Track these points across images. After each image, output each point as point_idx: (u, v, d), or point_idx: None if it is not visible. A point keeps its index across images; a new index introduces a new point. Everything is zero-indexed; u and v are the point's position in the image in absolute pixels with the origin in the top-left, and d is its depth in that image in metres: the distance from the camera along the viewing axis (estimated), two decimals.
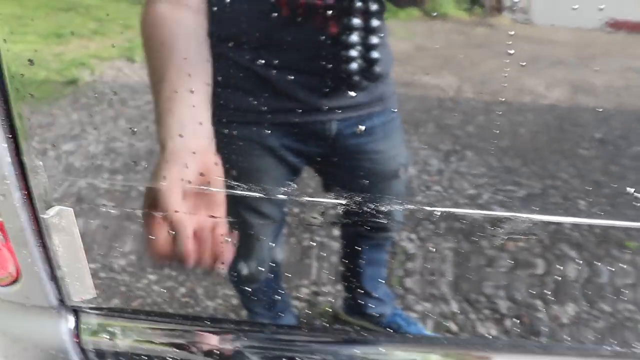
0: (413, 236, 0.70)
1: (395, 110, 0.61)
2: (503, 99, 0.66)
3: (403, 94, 0.67)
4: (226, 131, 0.60)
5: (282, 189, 0.62)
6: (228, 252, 0.57)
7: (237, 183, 0.60)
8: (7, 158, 0.48)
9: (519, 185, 0.69)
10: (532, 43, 0.72)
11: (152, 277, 0.75)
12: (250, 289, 0.72)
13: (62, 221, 0.56)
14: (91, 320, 0.72)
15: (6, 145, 0.48)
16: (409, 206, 0.62)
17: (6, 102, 0.49)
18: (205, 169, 0.53)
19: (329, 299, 0.74)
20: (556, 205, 0.67)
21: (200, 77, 0.52)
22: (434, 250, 0.69)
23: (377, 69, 0.55)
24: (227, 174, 0.60)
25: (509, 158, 0.74)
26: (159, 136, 0.54)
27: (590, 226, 0.67)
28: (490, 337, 0.73)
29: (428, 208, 0.63)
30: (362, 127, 0.60)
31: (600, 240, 0.70)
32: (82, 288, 0.55)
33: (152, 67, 0.53)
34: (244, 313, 0.75)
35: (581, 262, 0.71)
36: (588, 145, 0.71)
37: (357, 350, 0.65)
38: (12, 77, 0.49)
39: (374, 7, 0.51)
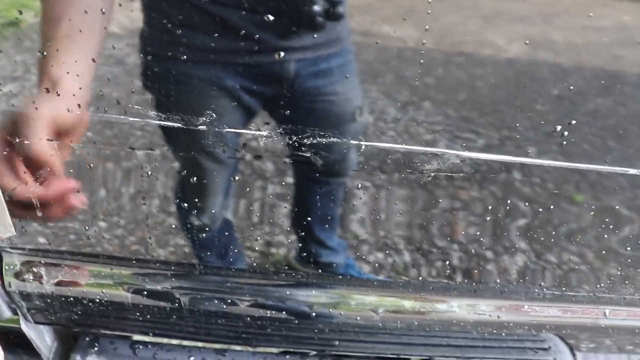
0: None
1: (352, 51, 0.60)
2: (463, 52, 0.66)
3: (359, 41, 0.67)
4: (180, 70, 0.58)
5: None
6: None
7: (185, 123, 0.59)
8: None
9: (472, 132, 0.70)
10: None
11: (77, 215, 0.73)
12: (202, 239, 0.71)
13: None
14: (14, 260, 0.69)
15: None
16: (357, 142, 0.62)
17: None
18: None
19: (283, 248, 0.74)
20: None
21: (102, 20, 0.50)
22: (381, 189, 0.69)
23: (341, 9, 0.54)
24: (178, 113, 0.59)
25: (465, 109, 0.74)
26: (49, 71, 0.51)
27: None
28: (420, 279, 0.73)
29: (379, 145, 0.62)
30: (316, 71, 0.59)
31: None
32: (1, 227, 0.53)
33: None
34: (179, 253, 0.74)
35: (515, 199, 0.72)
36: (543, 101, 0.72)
37: (311, 292, 0.65)
38: None
39: None
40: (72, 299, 0.71)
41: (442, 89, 0.64)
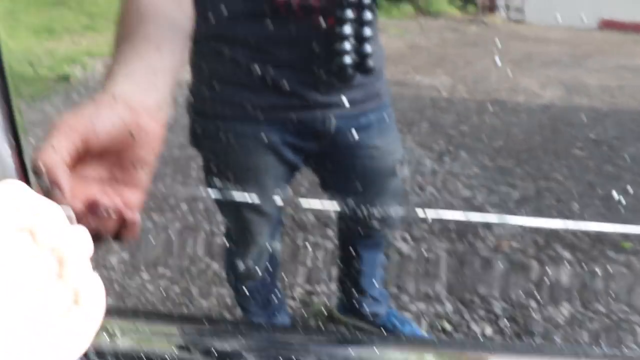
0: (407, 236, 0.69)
1: (390, 106, 0.60)
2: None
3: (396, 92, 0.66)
4: (224, 127, 0.58)
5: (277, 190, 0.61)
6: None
7: (233, 180, 0.59)
8: (11, 163, 0.47)
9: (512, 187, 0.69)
10: (525, 41, 0.71)
11: (145, 275, 0.74)
12: (246, 287, 0.71)
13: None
14: None
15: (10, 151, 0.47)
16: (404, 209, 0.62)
17: (9, 104, 0.48)
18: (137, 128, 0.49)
19: (325, 298, 0.73)
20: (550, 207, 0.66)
21: (165, 53, 0.50)
22: (428, 250, 0.68)
23: (370, 62, 0.54)
24: (224, 170, 0.59)
25: (502, 158, 0.73)
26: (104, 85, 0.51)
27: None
28: (485, 337, 0.73)
29: (422, 212, 0.62)
30: (354, 117, 0.59)
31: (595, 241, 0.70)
32: None
33: (118, 37, 0.50)
34: (239, 313, 0.75)
35: (575, 263, 0.71)
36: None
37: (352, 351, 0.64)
38: (13, 76, 0.47)
39: (369, 15, 0.51)
40: (144, 357, 0.71)
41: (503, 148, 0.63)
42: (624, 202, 0.56)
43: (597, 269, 0.74)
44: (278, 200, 0.63)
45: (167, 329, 0.71)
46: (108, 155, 0.49)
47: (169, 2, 0.51)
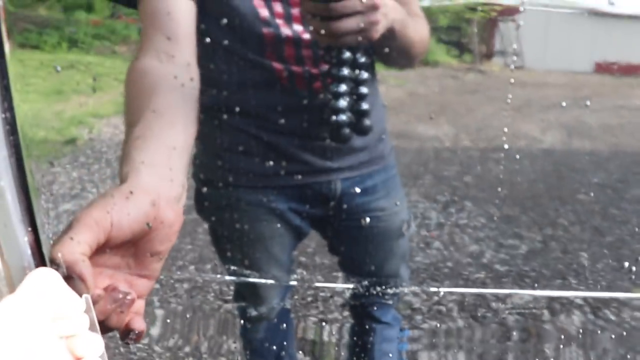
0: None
1: (395, 166, 0.61)
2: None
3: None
4: (230, 195, 0.59)
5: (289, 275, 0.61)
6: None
7: (239, 247, 0.59)
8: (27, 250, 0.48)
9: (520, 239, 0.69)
10: (524, 87, 0.72)
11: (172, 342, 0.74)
12: (254, 347, 0.70)
13: None
14: None
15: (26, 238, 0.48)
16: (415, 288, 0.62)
17: (27, 192, 0.48)
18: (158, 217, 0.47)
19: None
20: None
21: (179, 128, 0.51)
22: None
23: (367, 121, 0.55)
24: (230, 237, 0.59)
25: (507, 207, 0.73)
26: (121, 171, 0.50)
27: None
28: None
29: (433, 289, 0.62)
30: (361, 189, 0.59)
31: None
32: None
33: (127, 114, 0.51)
34: None
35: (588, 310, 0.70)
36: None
37: None
38: (25, 138, 0.47)
39: (365, 74, 0.51)
40: None
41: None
42: (634, 268, 0.56)
43: (610, 315, 0.74)
44: (290, 268, 0.63)
45: None
46: (124, 245, 0.49)
47: (177, 71, 0.52)
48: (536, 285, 0.67)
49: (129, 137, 0.48)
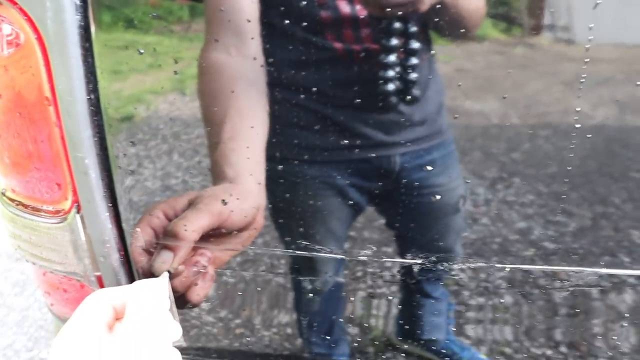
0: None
1: (452, 142, 0.61)
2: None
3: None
4: (291, 170, 0.61)
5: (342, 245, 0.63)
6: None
7: (298, 221, 0.61)
8: (108, 225, 0.52)
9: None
10: (574, 61, 0.70)
11: (224, 312, 0.77)
12: (309, 318, 0.73)
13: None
14: None
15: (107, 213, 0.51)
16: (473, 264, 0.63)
17: (109, 170, 0.51)
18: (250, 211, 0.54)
19: (383, 325, 0.75)
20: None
21: (259, 121, 0.54)
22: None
23: (415, 91, 0.56)
24: (289, 212, 0.61)
25: (556, 184, 0.73)
26: (219, 175, 0.54)
27: None
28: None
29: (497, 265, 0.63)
30: (422, 164, 0.61)
31: None
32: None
33: (210, 112, 0.55)
34: (299, 344, 0.77)
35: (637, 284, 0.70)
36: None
37: None
38: (108, 118, 0.50)
39: (415, 44, 0.52)
40: None
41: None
42: None
43: None
44: (346, 242, 0.65)
45: None
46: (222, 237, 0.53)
47: (247, 66, 0.54)
48: (586, 262, 0.67)
49: (220, 137, 0.51)
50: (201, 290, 0.57)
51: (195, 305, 0.58)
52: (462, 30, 0.52)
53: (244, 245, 0.57)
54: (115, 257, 0.55)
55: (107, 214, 0.52)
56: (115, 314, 0.44)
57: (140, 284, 0.47)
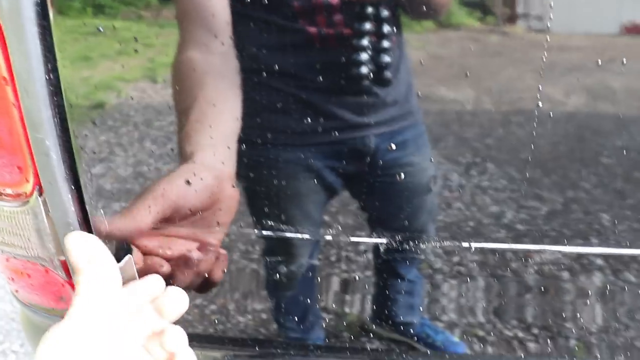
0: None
1: (423, 123, 0.62)
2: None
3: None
4: (267, 153, 0.61)
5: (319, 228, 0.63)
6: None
7: (274, 205, 0.61)
8: (71, 207, 0.50)
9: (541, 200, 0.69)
10: (547, 50, 0.71)
11: (199, 300, 0.77)
12: (284, 303, 0.73)
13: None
14: None
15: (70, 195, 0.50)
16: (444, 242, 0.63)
17: (71, 151, 0.50)
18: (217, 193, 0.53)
19: (358, 310, 0.75)
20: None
21: (228, 116, 0.55)
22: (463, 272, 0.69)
23: (388, 73, 0.56)
24: (265, 196, 0.61)
25: (529, 169, 0.73)
26: (182, 155, 0.54)
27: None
28: (520, 344, 0.74)
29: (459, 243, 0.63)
30: (394, 144, 0.61)
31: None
32: None
33: (180, 101, 0.55)
34: (274, 329, 0.77)
35: (608, 271, 0.71)
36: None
37: None
38: (68, 100, 0.49)
39: (387, 28, 0.53)
40: None
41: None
42: None
43: (631, 277, 0.75)
44: (321, 225, 0.65)
45: (218, 354, 0.73)
46: (193, 217, 0.54)
47: (219, 61, 0.54)
48: (557, 244, 0.67)
49: (186, 121, 0.51)
50: (218, 272, 0.57)
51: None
52: (431, 10, 0.53)
53: (225, 223, 0.56)
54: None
55: (70, 196, 0.51)
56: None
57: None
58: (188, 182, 0.49)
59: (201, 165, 0.52)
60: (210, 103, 0.54)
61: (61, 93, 0.47)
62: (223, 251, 0.56)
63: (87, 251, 0.43)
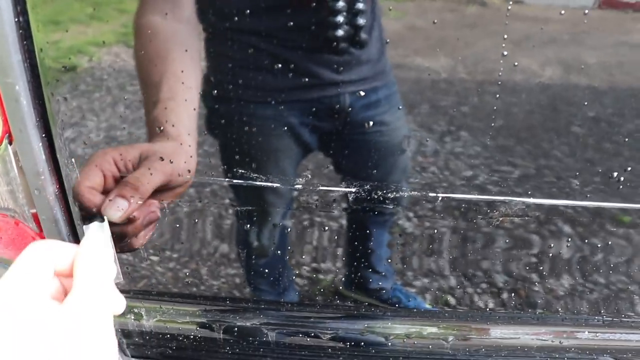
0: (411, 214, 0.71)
1: (395, 83, 0.63)
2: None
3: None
4: (245, 111, 0.61)
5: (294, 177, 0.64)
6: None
7: (251, 163, 0.61)
8: (42, 156, 0.50)
9: (513, 166, 0.70)
10: (524, 21, 0.72)
11: (173, 263, 0.77)
12: (257, 266, 0.74)
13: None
14: None
15: (41, 143, 0.50)
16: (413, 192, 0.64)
17: (42, 100, 0.50)
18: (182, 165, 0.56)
19: (332, 275, 0.76)
20: (550, 185, 0.68)
21: (195, 91, 0.56)
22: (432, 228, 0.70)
23: (363, 35, 0.57)
24: (242, 153, 0.62)
25: (503, 138, 0.74)
26: (161, 133, 0.55)
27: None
28: (488, 309, 0.76)
29: (430, 194, 0.64)
30: (364, 93, 0.62)
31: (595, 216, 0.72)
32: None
33: (147, 73, 0.55)
34: (248, 292, 0.78)
35: (574, 236, 0.73)
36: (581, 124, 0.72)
37: (363, 324, 0.69)
38: (47, 70, 0.48)
39: None
40: (168, 335, 0.76)
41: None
42: (622, 178, 0.58)
43: (597, 242, 0.76)
44: (295, 182, 0.66)
45: (191, 309, 0.75)
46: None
47: (182, 28, 0.54)
48: (529, 201, 0.69)
49: (158, 97, 0.52)
50: (145, 235, 0.59)
51: (136, 249, 0.59)
52: None
53: (176, 196, 0.59)
54: (50, 190, 0.53)
55: (41, 144, 0.51)
56: (60, 281, 0.42)
57: (86, 246, 0.43)
58: (171, 162, 0.52)
59: (187, 149, 0.54)
60: (178, 78, 0.55)
61: (31, 37, 0.47)
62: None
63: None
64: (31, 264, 0.39)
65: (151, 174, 0.52)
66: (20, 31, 0.47)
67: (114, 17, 0.57)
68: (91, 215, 0.54)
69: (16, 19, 0.46)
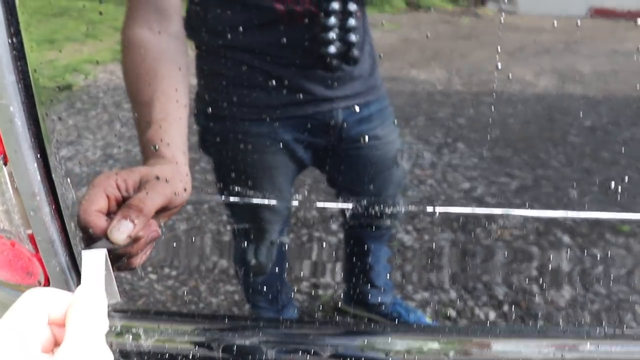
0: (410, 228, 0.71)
1: (387, 97, 0.63)
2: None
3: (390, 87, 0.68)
4: (237, 129, 0.61)
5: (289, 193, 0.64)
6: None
7: (245, 180, 0.61)
8: (37, 176, 0.50)
9: (511, 177, 0.70)
10: (518, 32, 0.72)
11: (172, 281, 0.77)
12: (255, 283, 0.74)
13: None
14: (115, 322, 0.73)
15: (36, 164, 0.49)
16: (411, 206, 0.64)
17: (36, 120, 0.50)
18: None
19: (332, 291, 0.76)
20: (548, 196, 0.68)
21: (186, 109, 0.56)
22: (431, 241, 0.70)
23: (355, 52, 0.57)
24: (236, 171, 0.62)
25: (500, 149, 0.74)
26: (156, 154, 0.55)
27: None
28: (489, 322, 0.75)
29: (428, 208, 0.64)
30: (357, 109, 0.62)
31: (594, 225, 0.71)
32: (108, 295, 0.56)
33: (135, 89, 0.55)
34: (247, 309, 0.77)
35: (575, 247, 0.73)
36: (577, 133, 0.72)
37: (363, 341, 0.68)
38: (41, 90, 0.48)
39: (353, 6, 0.54)
40: (166, 356, 0.75)
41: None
42: (620, 188, 0.58)
43: (597, 252, 0.76)
44: (291, 198, 0.66)
45: (189, 328, 0.74)
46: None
47: (171, 44, 0.55)
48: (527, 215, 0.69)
49: (151, 117, 0.52)
50: (143, 256, 0.58)
51: (134, 269, 0.58)
52: None
53: (169, 217, 0.59)
54: (46, 211, 0.53)
55: (36, 164, 0.50)
56: (51, 330, 0.41)
57: (80, 296, 0.42)
58: (168, 182, 0.51)
59: (183, 170, 0.53)
60: (169, 97, 0.55)
61: (25, 58, 0.47)
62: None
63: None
64: (26, 314, 0.38)
65: (153, 196, 0.52)
66: (14, 52, 0.47)
67: (108, 34, 0.57)
68: (94, 238, 0.54)
69: (9, 40, 0.46)
